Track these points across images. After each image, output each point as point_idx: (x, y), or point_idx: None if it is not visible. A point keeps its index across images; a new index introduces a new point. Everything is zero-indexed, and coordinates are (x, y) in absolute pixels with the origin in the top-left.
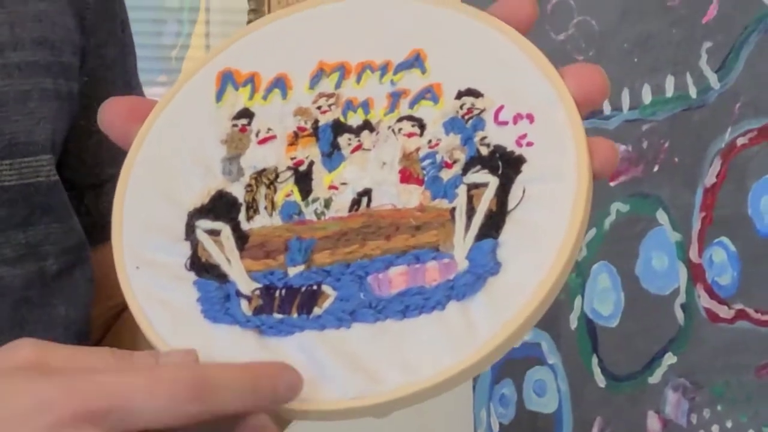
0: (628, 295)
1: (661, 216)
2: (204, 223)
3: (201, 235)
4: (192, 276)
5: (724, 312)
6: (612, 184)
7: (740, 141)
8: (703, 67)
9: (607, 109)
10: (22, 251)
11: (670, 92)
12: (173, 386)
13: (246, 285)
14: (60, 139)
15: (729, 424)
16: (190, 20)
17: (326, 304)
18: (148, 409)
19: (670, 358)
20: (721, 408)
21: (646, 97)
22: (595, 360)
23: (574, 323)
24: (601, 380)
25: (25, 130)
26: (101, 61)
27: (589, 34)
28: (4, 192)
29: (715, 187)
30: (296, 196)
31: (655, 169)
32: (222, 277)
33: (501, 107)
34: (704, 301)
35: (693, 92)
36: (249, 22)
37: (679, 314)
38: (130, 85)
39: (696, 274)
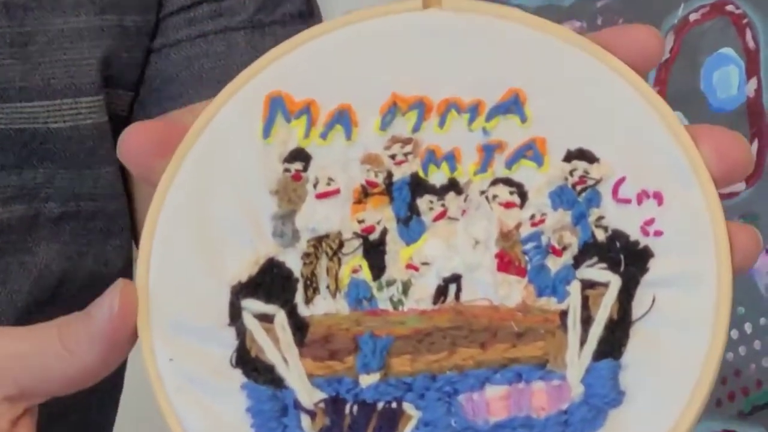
0: None
1: None
2: (253, 305)
3: (249, 322)
4: (239, 375)
5: None
6: None
7: (693, 17)
8: None
9: None
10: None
11: None
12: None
13: (308, 396)
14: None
15: None
16: None
17: (408, 429)
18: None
19: None
20: None
21: None
22: None
23: None
24: None
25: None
26: None
27: None
28: None
29: (668, 63)
30: (366, 274)
31: None
32: (277, 382)
33: (622, 179)
34: None
35: None
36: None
37: None
38: None
39: None
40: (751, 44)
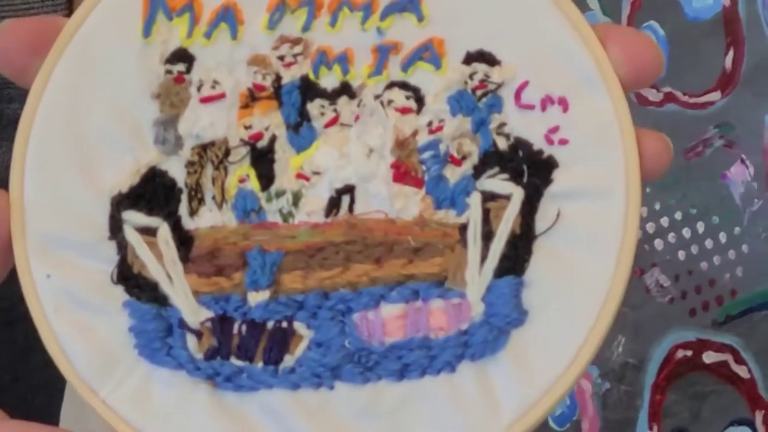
0: None
1: (592, 1)
2: (134, 217)
3: (131, 235)
4: (120, 293)
5: (652, 95)
6: None
7: None
8: None
9: None
10: None
11: None
12: None
13: (193, 314)
14: None
15: (657, 206)
16: None
17: (300, 350)
18: None
19: None
20: (650, 190)
21: None
22: None
23: None
24: None
25: None
26: None
27: None
28: None
29: None
30: (254, 184)
31: None
32: (161, 300)
33: (525, 83)
34: None
35: None
36: None
37: None
38: None
39: None
40: None
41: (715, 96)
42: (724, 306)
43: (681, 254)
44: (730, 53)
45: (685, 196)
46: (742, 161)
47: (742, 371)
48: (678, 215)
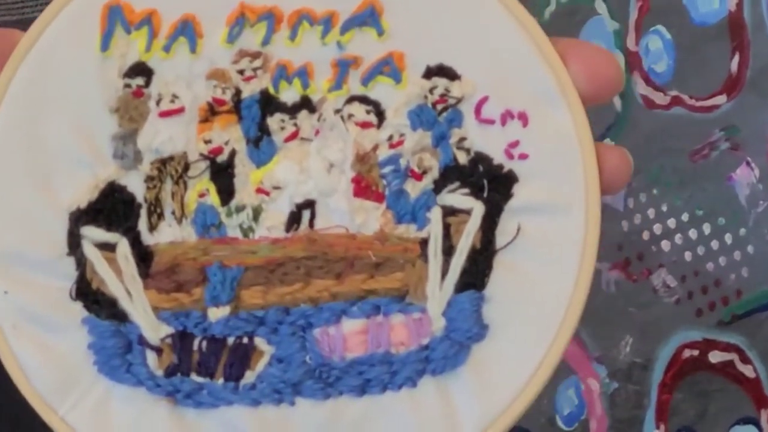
0: None
1: (599, 5)
2: (93, 233)
3: (90, 251)
4: (79, 309)
5: (659, 98)
6: None
7: None
8: None
9: None
10: None
11: None
12: None
13: (153, 331)
14: None
15: (664, 208)
16: None
17: (260, 366)
18: None
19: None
20: (657, 192)
21: None
22: None
23: None
24: None
25: None
26: None
27: None
28: None
29: None
30: (213, 199)
31: None
32: (120, 316)
33: (484, 99)
34: (641, 88)
35: None
36: None
37: (617, 101)
38: None
39: (633, 61)
40: None
41: (721, 99)
42: (730, 306)
43: (687, 255)
44: (736, 57)
45: (692, 198)
46: (748, 163)
47: (747, 370)
48: (684, 217)
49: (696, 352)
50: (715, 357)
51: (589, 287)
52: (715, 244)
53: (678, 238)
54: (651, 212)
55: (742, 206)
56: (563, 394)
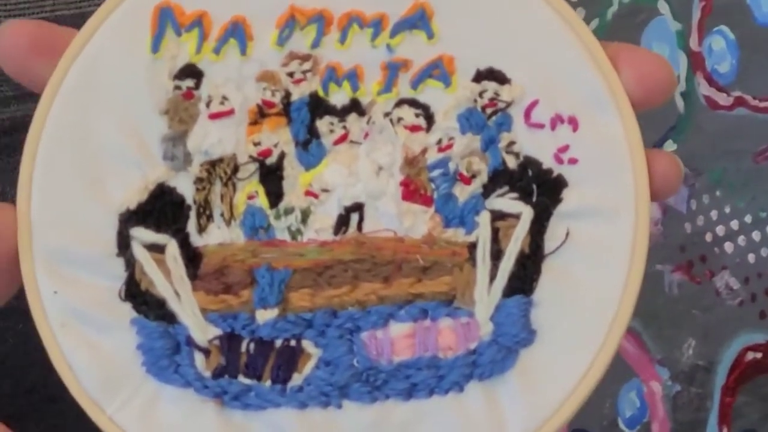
0: None
1: (662, 6)
2: (142, 234)
3: (139, 252)
4: (128, 310)
5: (723, 99)
6: None
7: None
8: None
9: None
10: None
11: None
12: None
13: (201, 332)
14: None
15: (727, 210)
16: None
17: (308, 368)
18: None
19: (670, 146)
20: (720, 194)
21: None
22: None
23: None
24: None
25: None
26: None
27: None
28: None
29: None
30: (262, 201)
31: None
32: (169, 318)
33: (535, 102)
34: (704, 89)
35: None
36: None
37: (679, 102)
38: None
39: (696, 62)
40: None
41: None
42: None
43: (751, 257)
44: None
45: (755, 199)
46: None
47: None
48: (748, 218)
49: (759, 355)
50: None
51: (638, 292)
52: None
53: (741, 240)
54: (714, 214)
55: None
56: (625, 396)
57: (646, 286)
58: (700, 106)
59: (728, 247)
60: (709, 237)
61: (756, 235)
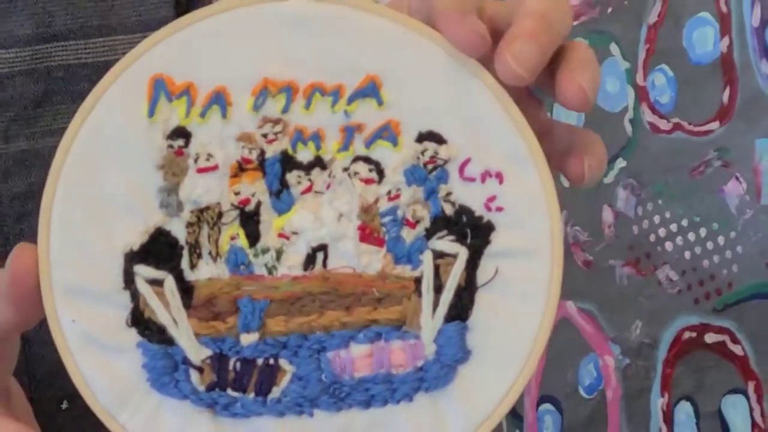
0: (586, 113)
1: (614, 48)
2: (144, 270)
3: (142, 286)
4: (134, 335)
5: (663, 125)
6: (574, 23)
7: None
8: None
9: None
10: None
11: None
12: None
13: (195, 353)
14: None
15: (668, 215)
16: None
17: (284, 382)
18: None
19: (620, 162)
20: (662, 202)
21: None
22: None
23: None
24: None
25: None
26: None
27: None
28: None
29: (656, 24)
30: (243, 242)
31: (609, 10)
32: (168, 341)
33: (467, 160)
34: (648, 116)
35: None
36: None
37: (628, 127)
38: None
39: (641, 94)
40: (724, 9)
41: (714, 125)
42: (723, 296)
43: (687, 254)
44: (727, 90)
45: (690, 207)
46: (737, 178)
47: (737, 349)
48: (684, 222)
49: (694, 334)
50: (710, 338)
51: (553, 319)
52: (710, 245)
53: (679, 240)
54: (657, 219)
55: (732, 214)
56: (584, 368)
57: (601, 278)
58: (645, 130)
59: (668, 245)
60: (652, 237)
61: (691, 236)
